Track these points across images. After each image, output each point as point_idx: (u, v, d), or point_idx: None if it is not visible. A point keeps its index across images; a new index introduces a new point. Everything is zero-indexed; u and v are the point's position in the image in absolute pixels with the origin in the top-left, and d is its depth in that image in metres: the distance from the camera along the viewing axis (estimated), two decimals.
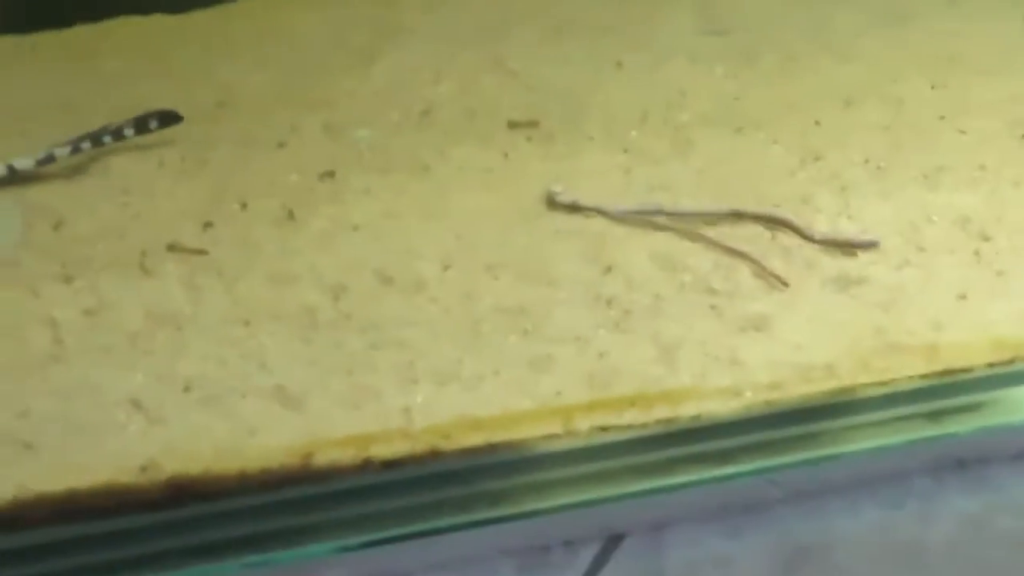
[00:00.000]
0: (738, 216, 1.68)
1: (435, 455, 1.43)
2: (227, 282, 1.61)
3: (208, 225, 1.70)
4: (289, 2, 2.24)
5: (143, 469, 1.37)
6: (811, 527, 1.54)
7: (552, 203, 1.65)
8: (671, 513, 1.51)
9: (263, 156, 1.84)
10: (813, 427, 1.51)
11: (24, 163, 1.75)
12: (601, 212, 1.64)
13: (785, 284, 1.59)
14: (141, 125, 1.84)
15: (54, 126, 1.87)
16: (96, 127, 1.82)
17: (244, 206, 1.74)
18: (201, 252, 1.65)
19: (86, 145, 1.79)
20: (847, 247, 1.64)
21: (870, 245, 1.64)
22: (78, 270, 1.62)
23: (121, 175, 1.79)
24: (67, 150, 1.77)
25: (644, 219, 1.65)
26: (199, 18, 2.18)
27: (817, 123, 1.91)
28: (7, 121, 1.90)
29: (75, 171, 1.79)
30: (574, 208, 1.64)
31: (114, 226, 1.70)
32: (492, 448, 1.44)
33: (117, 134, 1.81)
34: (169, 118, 1.86)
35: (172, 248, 1.66)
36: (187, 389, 1.46)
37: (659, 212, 1.65)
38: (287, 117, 1.92)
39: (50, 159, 1.77)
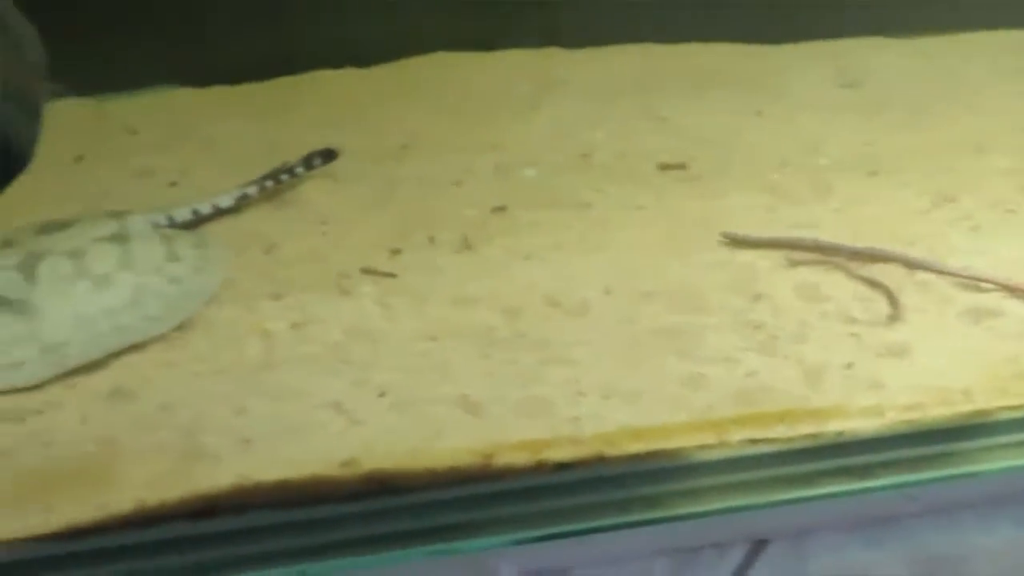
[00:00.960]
0: (880, 255, 1.66)
1: (601, 460, 1.44)
2: (415, 302, 1.65)
3: (396, 252, 1.75)
4: (459, 58, 2.29)
5: (344, 464, 1.41)
6: (946, 540, 1.51)
7: (728, 239, 1.64)
8: (814, 521, 1.50)
9: (442, 192, 1.89)
10: (950, 447, 1.49)
11: (226, 201, 1.82)
12: (775, 244, 1.61)
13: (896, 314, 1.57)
14: (308, 162, 1.90)
15: (263, 165, 1.95)
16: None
17: (427, 236, 1.78)
18: (391, 275, 1.70)
19: (269, 183, 1.86)
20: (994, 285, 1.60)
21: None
22: (285, 289, 1.68)
23: (320, 208, 1.86)
24: (255, 188, 1.85)
25: (804, 253, 1.64)
26: (382, 71, 2.25)
27: (948, 168, 1.88)
28: (223, 160, 1.98)
29: (282, 204, 1.86)
30: (745, 243, 1.62)
31: (315, 251, 1.76)
32: (651, 455, 1.45)
33: (291, 172, 1.88)
34: (329, 155, 1.93)
35: (366, 271, 1.71)
36: (381, 395, 1.51)
37: (831, 246, 1.63)
38: (462, 158, 1.97)
39: (244, 197, 1.84)
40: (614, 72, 2.23)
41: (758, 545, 1.51)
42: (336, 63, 2.27)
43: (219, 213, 1.81)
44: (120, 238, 1.65)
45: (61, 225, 1.66)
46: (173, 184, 1.93)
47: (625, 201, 1.85)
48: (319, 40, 2.26)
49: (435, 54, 2.27)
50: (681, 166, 1.93)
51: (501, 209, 1.84)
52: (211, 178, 1.93)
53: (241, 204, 1.83)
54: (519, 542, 1.45)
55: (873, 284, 1.64)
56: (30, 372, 1.49)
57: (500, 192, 1.88)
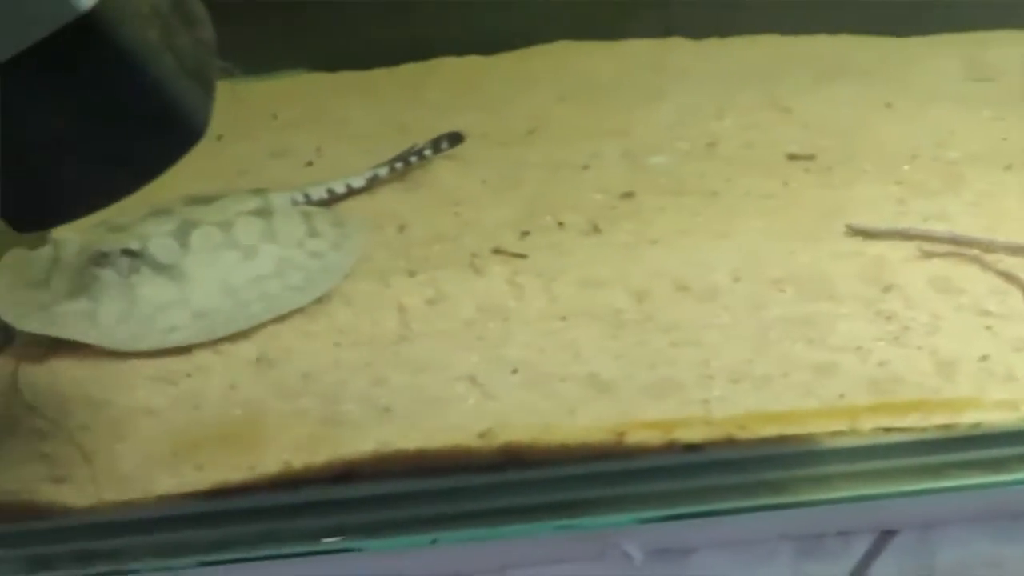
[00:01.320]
0: (1016, 249, 1.63)
1: (731, 442, 1.45)
2: (544, 282, 1.68)
3: (525, 233, 1.78)
4: (582, 47, 2.31)
5: (481, 435, 1.44)
6: None
7: (854, 231, 1.62)
8: (944, 514, 1.49)
9: (570, 177, 1.91)
10: None
11: (358, 182, 1.87)
12: (904, 234, 1.60)
13: None
14: (436, 145, 1.95)
15: (392, 147, 2.00)
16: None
17: (556, 219, 1.81)
18: (521, 256, 1.73)
19: (399, 165, 1.91)
20: None
21: None
22: (419, 266, 1.72)
23: (451, 189, 1.90)
24: (386, 169, 1.89)
25: (936, 245, 1.62)
26: (506, 59, 2.28)
27: None
28: (355, 141, 2.04)
29: (415, 185, 1.91)
30: (873, 234, 1.61)
31: (447, 231, 1.80)
32: (783, 440, 1.46)
33: (420, 154, 1.93)
34: (455, 138, 1.97)
35: (497, 251, 1.74)
36: (514, 371, 1.54)
37: (965, 239, 1.61)
38: (589, 144, 1.99)
39: (375, 178, 1.89)
40: (738, 62, 2.23)
41: (885, 535, 1.51)
42: (460, 51, 2.31)
43: (352, 192, 1.86)
44: (263, 212, 1.71)
45: (208, 198, 1.73)
46: (308, 164, 1.99)
47: (752, 190, 1.85)
48: (444, 28, 2.30)
49: (558, 43, 2.30)
50: (810, 157, 1.92)
51: (629, 195, 1.86)
52: (343, 158, 1.98)
53: (372, 184, 1.88)
54: (645, 521, 1.47)
55: (1009, 278, 1.62)
56: (183, 336, 1.55)
57: (627, 178, 1.90)
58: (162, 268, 1.58)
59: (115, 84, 1.13)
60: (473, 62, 2.27)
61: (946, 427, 1.46)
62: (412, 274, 1.71)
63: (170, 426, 1.47)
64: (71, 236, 1.58)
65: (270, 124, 2.10)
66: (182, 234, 1.62)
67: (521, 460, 1.45)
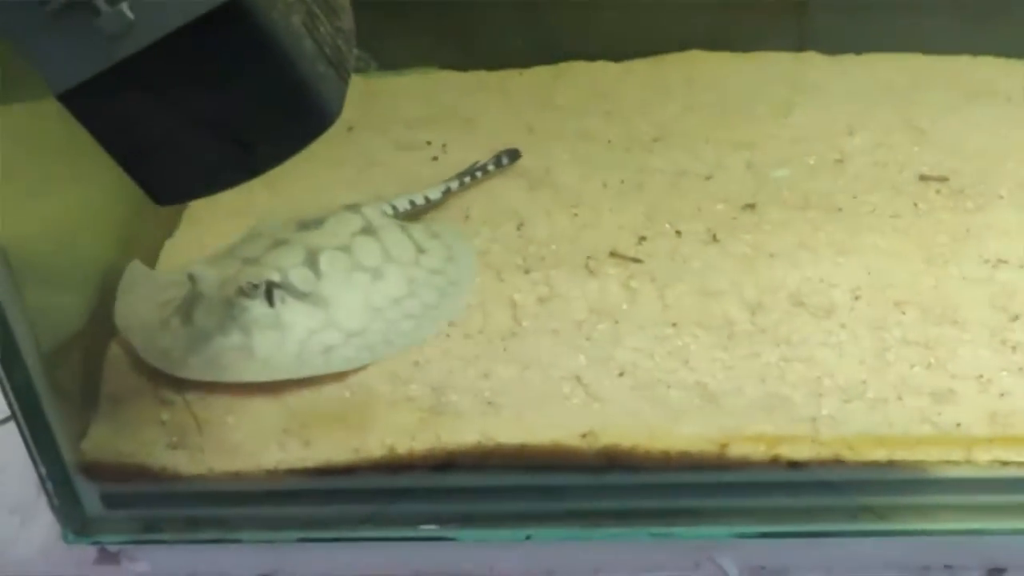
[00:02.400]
0: None
1: (837, 462, 1.42)
2: (658, 288, 1.66)
3: (643, 239, 1.77)
4: (713, 57, 2.27)
5: (583, 436, 1.44)
6: None
7: None
8: None
9: (692, 185, 1.89)
10: None
11: (435, 194, 1.86)
12: None
13: None
14: (498, 161, 1.93)
15: (520, 146, 2.01)
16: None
17: (675, 226, 1.79)
18: (637, 260, 1.72)
19: (467, 179, 1.90)
20: None
21: None
22: (534, 264, 1.72)
23: (572, 191, 1.89)
24: (456, 183, 1.88)
25: None
26: (638, 65, 2.26)
27: None
28: (481, 139, 2.04)
29: (538, 185, 1.91)
30: None
31: (565, 232, 1.79)
32: (892, 464, 1.41)
33: (483, 169, 1.91)
34: (514, 155, 1.95)
35: (613, 255, 1.73)
36: (621, 374, 1.53)
37: None
38: (714, 154, 1.96)
39: (448, 191, 1.88)
40: (873, 80, 2.16)
41: (994, 572, 1.45)
42: (591, 56, 2.30)
43: (429, 205, 1.85)
44: (370, 231, 1.71)
45: (315, 221, 1.71)
46: (434, 159, 2.01)
47: (879, 208, 1.80)
48: (576, 33, 2.29)
49: (690, 52, 2.27)
50: (942, 179, 1.86)
51: (750, 206, 1.82)
52: (468, 155, 1.99)
53: (446, 197, 1.87)
54: (742, 535, 1.45)
55: None
56: (342, 355, 1.55)
57: (750, 190, 1.86)
58: (303, 296, 1.58)
59: (257, 66, 1.16)
60: (603, 67, 2.26)
61: None
62: (527, 271, 1.71)
63: (281, 406, 1.51)
64: (208, 271, 1.58)
65: (399, 118, 2.13)
66: (312, 262, 1.62)
67: (621, 464, 1.45)
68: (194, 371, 1.52)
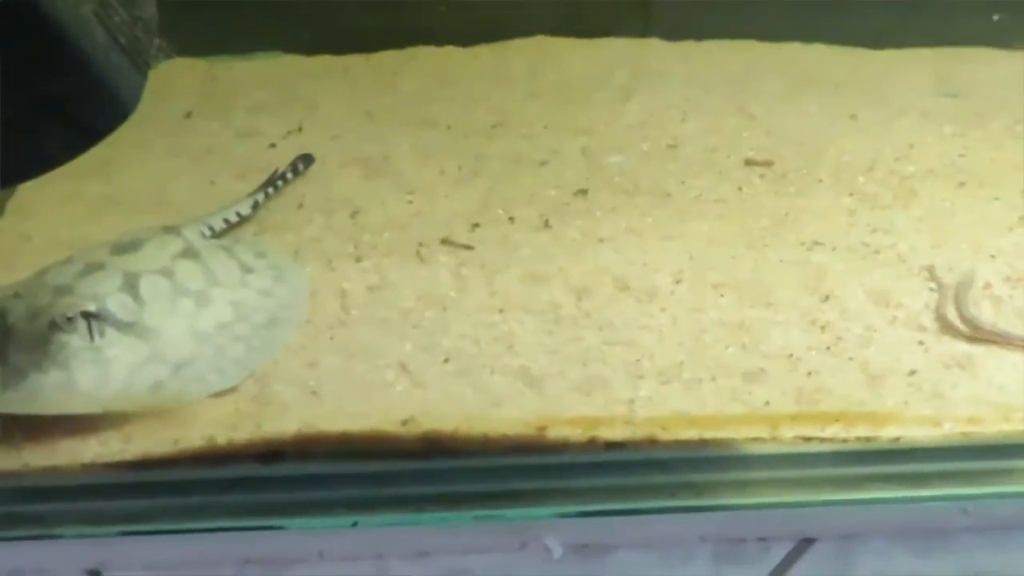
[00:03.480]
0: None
1: (652, 443, 1.46)
2: (488, 275, 1.68)
3: (476, 226, 1.79)
4: (558, 43, 2.31)
5: (404, 423, 1.46)
6: (997, 558, 1.49)
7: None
8: (863, 525, 1.49)
9: (527, 172, 1.92)
10: (1009, 463, 1.46)
11: (244, 209, 1.80)
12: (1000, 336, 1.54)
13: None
14: (295, 168, 1.89)
15: (359, 133, 2.02)
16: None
17: (508, 212, 1.81)
18: (469, 248, 1.74)
19: (271, 190, 1.84)
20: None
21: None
22: (366, 252, 1.73)
23: (409, 178, 1.90)
24: (262, 195, 1.82)
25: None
26: (483, 51, 2.28)
27: None
28: (323, 126, 2.04)
29: (373, 173, 1.91)
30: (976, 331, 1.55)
31: (399, 219, 1.80)
32: (703, 443, 1.46)
33: (283, 178, 1.87)
34: (308, 159, 1.92)
35: (445, 242, 1.75)
36: (446, 360, 1.55)
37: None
38: (551, 140, 1.99)
39: (257, 204, 1.81)
40: (711, 66, 2.22)
41: (804, 543, 1.51)
42: (439, 41, 2.31)
43: (241, 220, 1.79)
44: (191, 253, 1.63)
45: (132, 244, 1.61)
46: (272, 146, 2.00)
47: (705, 193, 1.85)
48: (424, 17, 2.30)
49: (535, 37, 2.30)
50: (767, 163, 1.92)
51: (583, 192, 1.86)
52: (309, 143, 1.99)
53: (256, 210, 1.82)
54: (564, 515, 1.48)
55: (944, 293, 1.61)
56: (171, 389, 1.47)
57: (584, 176, 1.90)
58: (125, 326, 1.48)
59: (44, 58, 1.14)
60: (449, 52, 2.27)
61: (868, 439, 1.46)
62: (358, 260, 1.72)
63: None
64: (15, 303, 1.46)
65: (240, 104, 2.11)
66: (130, 287, 1.52)
67: (444, 449, 1.46)
68: (11, 405, 1.41)
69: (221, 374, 1.50)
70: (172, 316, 1.53)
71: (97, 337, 1.45)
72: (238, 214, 1.79)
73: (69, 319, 1.43)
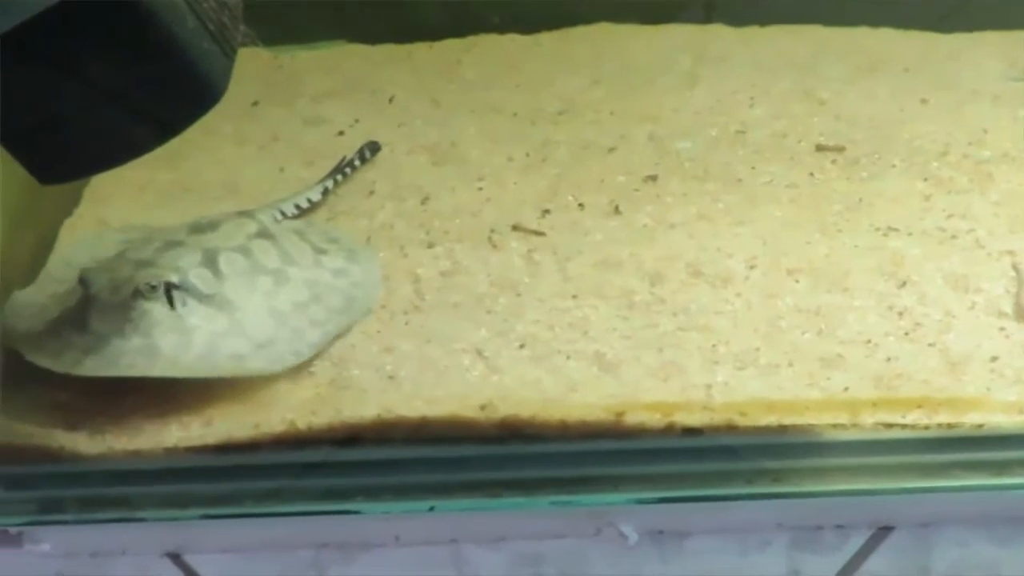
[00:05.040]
0: None
1: (730, 428, 1.45)
2: (560, 261, 1.68)
3: (546, 212, 1.78)
4: (621, 29, 2.29)
5: (482, 408, 1.45)
6: None
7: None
8: (942, 513, 1.47)
9: (595, 158, 1.90)
10: None
11: (315, 195, 1.81)
12: None
13: None
14: (362, 156, 1.89)
15: (424, 120, 2.02)
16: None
17: (578, 199, 1.81)
18: (540, 233, 1.73)
19: (339, 177, 1.85)
20: None
21: None
22: (438, 238, 1.73)
23: (477, 165, 1.90)
24: (331, 182, 1.83)
25: None
26: (546, 38, 2.27)
27: None
28: (389, 113, 2.04)
29: (442, 159, 1.91)
30: None
31: (469, 206, 1.80)
32: (782, 429, 1.45)
33: (351, 165, 1.87)
34: (375, 147, 1.91)
35: (516, 228, 1.74)
36: (521, 346, 1.54)
37: None
38: (618, 126, 1.98)
39: (326, 191, 1.82)
40: (777, 52, 2.19)
41: (882, 530, 1.49)
42: (502, 28, 2.30)
43: (312, 206, 1.80)
44: (266, 234, 1.64)
45: (209, 225, 1.64)
46: (340, 133, 2.00)
47: (777, 179, 1.83)
48: (487, 5, 2.29)
49: (598, 24, 2.28)
50: (839, 149, 1.90)
51: (652, 178, 1.84)
52: (375, 130, 1.99)
53: (326, 196, 1.83)
54: (640, 502, 1.47)
55: None
56: (254, 365, 1.49)
57: (653, 161, 1.89)
58: (205, 298, 1.51)
59: (138, 43, 1.15)
60: (513, 40, 2.26)
61: (950, 426, 1.44)
62: (430, 246, 1.72)
63: (180, 383, 1.50)
64: (99, 273, 1.50)
65: (306, 92, 2.11)
66: (210, 262, 1.54)
67: (521, 434, 1.46)
68: (95, 369, 1.44)
69: (296, 351, 1.52)
70: (251, 292, 1.55)
71: (179, 306, 1.48)
72: (309, 200, 1.80)
73: (153, 287, 1.47)
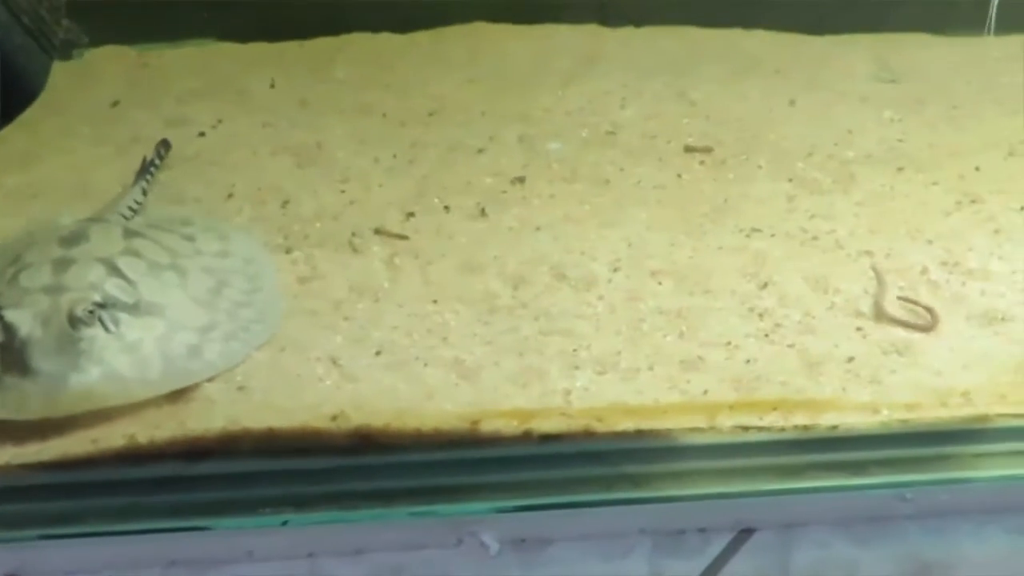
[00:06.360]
0: None
1: (588, 434, 1.42)
2: (422, 265, 1.64)
3: (410, 215, 1.74)
4: (498, 29, 2.27)
5: (333, 418, 1.40)
6: (937, 545, 1.46)
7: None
8: (801, 514, 1.46)
9: (464, 160, 1.87)
10: (947, 450, 1.44)
11: (139, 196, 1.75)
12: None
13: (928, 312, 1.53)
14: (159, 154, 1.84)
15: (291, 121, 1.96)
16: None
17: (444, 201, 1.77)
18: (403, 237, 1.69)
19: (149, 177, 1.80)
20: (904, 326, 1.52)
21: (925, 328, 1.52)
22: (297, 243, 1.68)
23: (342, 167, 1.85)
24: (144, 182, 1.78)
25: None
26: (420, 37, 2.23)
27: (977, 169, 1.82)
28: (254, 114, 1.98)
29: (306, 162, 1.86)
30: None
31: (331, 209, 1.75)
32: (640, 434, 1.42)
33: (154, 164, 1.82)
34: (167, 145, 1.87)
35: (378, 232, 1.70)
36: (378, 353, 1.50)
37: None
38: (488, 127, 1.95)
39: (144, 191, 1.77)
40: (651, 53, 2.19)
41: (743, 533, 1.48)
42: (375, 27, 2.26)
43: (141, 208, 1.75)
44: (136, 234, 1.59)
45: (78, 235, 1.56)
46: (201, 134, 1.94)
47: (644, 180, 1.82)
48: (361, 4, 2.24)
49: (474, 24, 2.25)
50: (707, 149, 1.89)
51: (520, 180, 1.82)
52: (240, 131, 1.94)
53: (147, 197, 1.77)
54: (500, 510, 1.44)
55: (883, 280, 1.59)
56: (216, 351, 1.45)
57: (522, 163, 1.86)
58: (132, 308, 1.45)
59: None
60: (385, 39, 2.23)
61: (806, 428, 1.43)
62: (288, 251, 1.67)
63: None
64: (21, 313, 1.40)
65: (170, 92, 2.04)
66: (115, 271, 1.48)
67: (376, 444, 1.41)
68: (69, 407, 1.37)
69: (248, 333, 1.49)
70: (165, 289, 1.51)
71: (112, 326, 1.42)
72: (136, 201, 1.74)
73: (91, 312, 1.40)
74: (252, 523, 1.42)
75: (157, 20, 2.18)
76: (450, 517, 1.44)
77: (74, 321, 1.39)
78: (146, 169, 1.80)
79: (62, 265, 1.48)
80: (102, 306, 1.42)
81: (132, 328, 1.43)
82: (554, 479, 1.45)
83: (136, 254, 1.54)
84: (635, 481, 1.45)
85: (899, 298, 1.55)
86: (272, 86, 2.00)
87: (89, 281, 1.46)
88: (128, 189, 1.76)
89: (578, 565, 1.47)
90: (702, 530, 1.48)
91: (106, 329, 1.41)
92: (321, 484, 1.43)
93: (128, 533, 1.41)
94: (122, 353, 1.41)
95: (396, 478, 1.44)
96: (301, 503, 1.43)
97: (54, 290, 1.44)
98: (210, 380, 1.45)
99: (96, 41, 2.06)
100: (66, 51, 1.36)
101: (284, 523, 1.42)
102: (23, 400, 1.37)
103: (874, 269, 1.61)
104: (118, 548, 1.43)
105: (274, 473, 1.42)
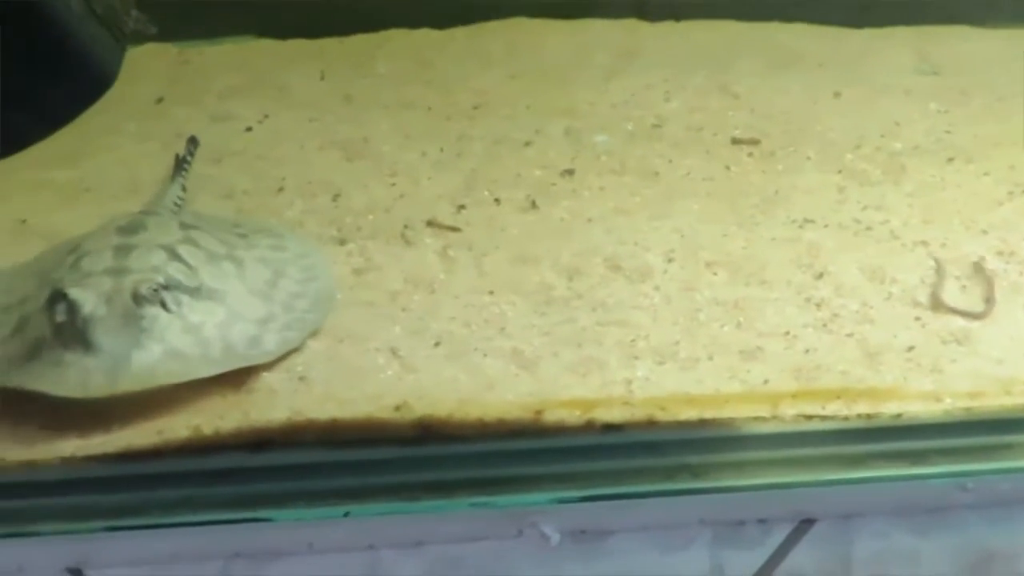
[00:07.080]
0: None
1: (651, 424, 1.42)
2: (476, 256, 1.64)
3: (461, 207, 1.74)
4: (537, 24, 2.26)
5: (397, 408, 1.41)
6: (998, 534, 1.46)
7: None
8: (863, 504, 1.46)
9: (511, 153, 1.87)
10: (1009, 438, 1.44)
11: (179, 192, 1.75)
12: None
13: (987, 303, 1.52)
14: (190, 150, 1.84)
15: (335, 116, 1.96)
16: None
17: (494, 194, 1.77)
18: (455, 229, 1.69)
19: (184, 171, 1.79)
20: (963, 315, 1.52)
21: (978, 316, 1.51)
22: (350, 235, 1.68)
23: (390, 160, 1.85)
24: (182, 178, 1.78)
25: None
26: (459, 33, 2.23)
27: None
28: (298, 109, 1.98)
29: (354, 155, 1.86)
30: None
31: (382, 202, 1.75)
32: (702, 423, 1.42)
33: (187, 160, 1.81)
34: (195, 142, 1.86)
35: (430, 224, 1.70)
36: (437, 344, 1.50)
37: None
38: (534, 121, 1.95)
39: (183, 186, 1.76)
40: (692, 46, 2.18)
41: (804, 523, 1.48)
42: (414, 24, 2.25)
43: (183, 202, 1.74)
44: (190, 226, 1.60)
45: (135, 226, 1.57)
46: (248, 129, 1.94)
47: (694, 172, 1.82)
48: (398, 1, 2.25)
49: (514, 19, 2.25)
50: (754, 141, 1.89)
51: (569, 172, 1.82)
52: (285, 126, 1.94)
53: (186, 192, 1.78)
54: (561, 501, 1.44)
55: (941, 270, 1.59)
56: (272, 343, 1.46)
57: (569, 156, 1.86)
58: (194, 291, 1.46)
59: (19, 26, 1.08)
60: (425, 35, 2.22)
61: (869, 416, 1.43)
62: (342, 243, 1.67)
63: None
64: (84, 292, 1.41)
65: (213, 88, 2.04)
66: (176, 257, 1.50)
67: (437, 434, 1.41)
68: (126, 385, 1.36)
69: (302, 323, 1.50)
70: (225, 278, 1.52)
71: (174, 307, 1.43)
72: (179, 196, 1.74)
73: (154, 291, 1.42)
74: (313, 514, 1.43)
75: (194, 17, 2.18)
76: (510, 508, 1.44)
77: (138, 299, 1.41)
78: (180, 165, 1.81)
79: (123, 251, 1.50)
80: (165, 287, 1.44)
81: (194, 311, 1.45)
82: (614, 470, 1.45)
83: (194, 243, 1.55)
84: (695, 471, 1.45)
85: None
86: (322, 78, 2.00)
87: (152, 264, 1.47)
88: (167, 185, 1.76)
89: (638, 556, 1.47)
90: (762, 521, 1.47)
91: (168, 310, 1.42)
92: (383, 475, 1.43)
93: (191, 524, 1.41)
94: (184, 333, 1.42)
95: (456, 469, 1.43)
96: (362, 494, 1.43)
97: (117, 272, 1.45)
98: (270, 370, 1.46)
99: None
100: (137, 41, 1.36)
101: (346, 514, 1.42)
102: (85, 378, 1.37)
103: (935, 259, 1.60)
104: (181, 540, 1.43)
105: (335, 464, 1.43)
